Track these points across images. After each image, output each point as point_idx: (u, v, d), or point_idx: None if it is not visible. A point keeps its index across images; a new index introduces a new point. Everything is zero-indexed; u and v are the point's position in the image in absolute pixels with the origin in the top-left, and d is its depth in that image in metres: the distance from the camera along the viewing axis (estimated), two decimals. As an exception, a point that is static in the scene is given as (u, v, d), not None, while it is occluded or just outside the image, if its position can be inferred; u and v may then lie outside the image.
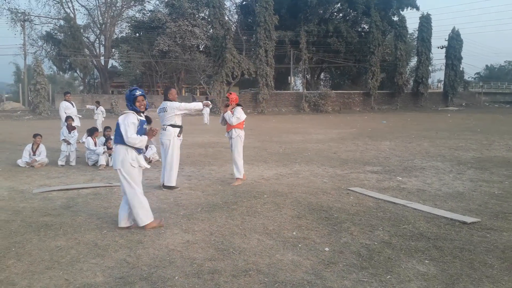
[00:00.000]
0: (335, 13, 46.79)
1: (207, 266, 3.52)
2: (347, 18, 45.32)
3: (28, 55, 40.06)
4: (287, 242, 4.04)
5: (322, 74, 51.89)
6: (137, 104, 4.57)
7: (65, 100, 12.03)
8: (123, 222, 4.61)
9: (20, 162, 8.87)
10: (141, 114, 4.65)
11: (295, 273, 3.34)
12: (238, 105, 7.07)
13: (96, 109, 19.55)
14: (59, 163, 9.01)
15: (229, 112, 6.95)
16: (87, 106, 22.42)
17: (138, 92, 4.61)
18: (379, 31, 38.48)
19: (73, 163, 9.06)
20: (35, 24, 42.02)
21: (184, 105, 6.86)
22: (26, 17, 39.57)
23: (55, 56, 41.60)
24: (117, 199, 5.97)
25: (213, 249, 3.90)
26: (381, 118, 27.49)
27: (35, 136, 9.19)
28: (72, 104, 11.97)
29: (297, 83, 51.24)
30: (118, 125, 4.52)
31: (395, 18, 41.49)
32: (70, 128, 9.56)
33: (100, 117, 19.28)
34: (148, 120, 4.96)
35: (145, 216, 4.52)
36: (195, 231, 4.46)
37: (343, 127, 20.16)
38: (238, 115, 6.92)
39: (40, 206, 5.55)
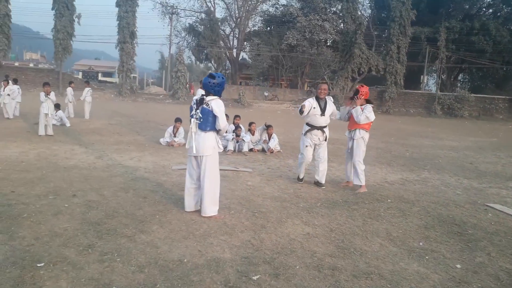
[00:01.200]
0: (484, 9, 41.78)
1: (327, 261, 3.53)
2: (498, 14, 40.04)
3: (172, 45, 44.67)
4: (413, 252, 3.83)
5: (460, 75, 46.97)
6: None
7: (201, 88, 13.12)
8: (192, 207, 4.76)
9: (162, 141, 10.04)
10: None
11: (421, 285, 3.15)
12: (367, 101, 6.28)
13: None
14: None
15: (358, 107, 6.17)
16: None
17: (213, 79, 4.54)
18: (536, 30, 33.19)
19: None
20: (181, 17, 46.40)
21: None
22: (174, 10, 44.01)
23: (194, 47, 45.49)
24: (242, 183, 6.36)
25: (333, 246, 3.90)
26: (530, 129, 23.84)
27: (176, 120, 10.28)
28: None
29: (429, 83, 47.33)
30: (208, 112, 4.47)
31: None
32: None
33: None
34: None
35: (214, 208, 4.61)
36: (315, 225, 4.50)
37: (482, 136, 18.04)
38: (368, 113, 6.11)
39: (178, 181, 6.21)
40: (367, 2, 45.34)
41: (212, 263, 3.37)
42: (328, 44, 42.05)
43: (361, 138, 6.21)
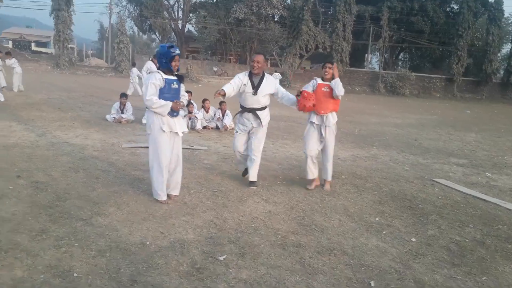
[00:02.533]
0: (423, -10, 43.58)
1: (291, 239, 3.58)
2: (436, -5, 42.03)
3: (113, 15, 42.25)
4: (370, 227, 3.99)
5: (401, 54, 49.15)
6: (173, 64, 4.14)
7: (151, 60, 12.55)
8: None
9: (108, 117, 9.54)
10: (173, 74, 4.24)
11: (381, 259, 3.30)
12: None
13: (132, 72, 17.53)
14: (143, 121, 9.55)
15: (338, 79, 5.05)
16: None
17: (177, 51, 4.15)
18: (470, 13, 35.35)
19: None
20: (121, -17, 43.85)
21: None
22: (113, -24, 41.44)
23: (136, 16, 43.35)
24: (199, 161, 6.25)
25: (295, 223, 3.96)
26: (464, 107, 25.67)
27: (121, 96, 9.79)
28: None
29: (373, 61, 49.08)
30: None
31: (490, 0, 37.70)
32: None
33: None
34: (181, 78, 4.34)
35: (155, 193, 4.28)
36: (276, 202, 4.54)
37: (422, 113, 19.14)
38: (341, 86, 4.99)
39: (130, 160, 5.96)
40: (314, -23, 45.49)
41: (176, 245, 3.29)
42: (276, 19, 41.92)
43: (335, 125, 5.11)
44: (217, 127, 9.60)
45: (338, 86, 5.00)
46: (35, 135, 7.24)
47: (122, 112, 9.60)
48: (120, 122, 9.36)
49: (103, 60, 43.93)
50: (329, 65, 5.14)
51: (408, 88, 35.50)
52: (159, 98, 4.08)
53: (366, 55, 43.07)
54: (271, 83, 5.00)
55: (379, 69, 38.38)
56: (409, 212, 4.52)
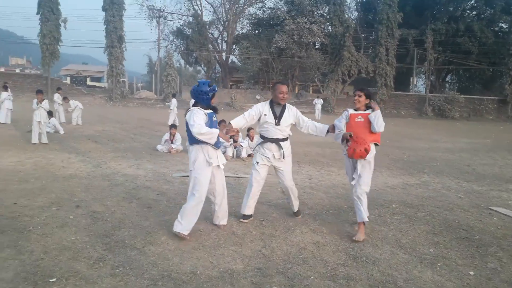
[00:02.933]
0: (468, 11, 42.49)
1: (341, 271, 3.51)
2: (482, 16, 40.78)
3: (161, 49, 44.46)
4: (424, 259, 3.83)
5: (448, 76, 47.65)
6: (212, 100, 4.25)
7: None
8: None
9: (159, 147, 9.95)
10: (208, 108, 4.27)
11: (438, 294, 3.15)
12: (367, 106, 4.53)
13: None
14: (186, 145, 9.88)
15: (379, 111, 4.40)
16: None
17: (216, 89, 4.29)
18: (521, 31, 33.81)
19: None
20: (168, 20, 46.16)
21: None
22: (161, 13, 43.83)
23: (183, 50, 45.35)
24: (245, 190, 6.29)
25: (345, 255, 3.88)
26: (520, 130, 24.23)
27: (171, 127, 10.20)
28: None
29: (418, 84, 47.86)
30: (187, 124, 4.14)
31: (543, 16, 35.95)
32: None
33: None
34: (215, 110, 4.36)
35: (185, 227, 4.13)
36: (324, 233, 4.49)
37: (474, 137, 18.26)
38: (381, 120, 4.36)
39: (180, 189, 6.14)
40: (353, 4, 45.83)
41: (226, 275, 3.33)
42: (317, 47, 42.32)
43: (373, 158, 4.45)
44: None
45: (378, 120, 4.34)
46: (91, 166, 7.67)
47: (172, 142, 9.97)
48: (170, 152, 9.72)
49: (152, 92, 46.04)
50: (358, 92, 4.52)
51: (458, 111, 34.12)
52: None
53: (411, 78, 42.12)
54: (292, 113, 4.79)
55: (425, 92, 37.30)
56: (465, 243, 4.30)
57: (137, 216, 4.72)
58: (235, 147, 9.46)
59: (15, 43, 68.61)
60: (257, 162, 4.78)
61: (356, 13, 45.88)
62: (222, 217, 4.52)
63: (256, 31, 45.28)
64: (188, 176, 7.01)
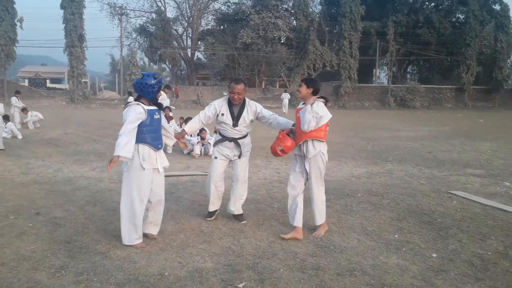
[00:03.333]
0: (427, 2, 44.01)
1: (310, 261, 3.55)
2: (440, 7, 42.37)
3: (124, 47, 43.46)
4: (390, 245, 3.93)
5: (409, 67, 49.18)
6: (157, 94, 3.90)
7: (162, 90, 12.82)
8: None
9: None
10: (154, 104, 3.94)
11: (402, 277, 3.24)
12: (319, 96, 4.11)
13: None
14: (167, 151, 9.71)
15: (308, 106, 3.94)
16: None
17: (162, 81, 3.93)
18: (476, 21, 35.33)
19: (170, 151, 9.68)
20: (130, 18, 45.27)
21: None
22: (123, 11, 42.81)
23: (147, 48, 44.49)
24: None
25: (313, 245, 3.92)
26: (477, 116, 25.34)
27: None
28: (167, 96, 12.74)
29: (381, 76, 49.13)
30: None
31: (496, 7, 37.66)
32: (168, 119, 10.20)
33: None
34: (160, 106, 4.04)
35: (128, 238, 3.82)
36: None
37: (435, 125, 18.96)
38: (320, 110, 3.91)
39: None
40: (317, -2, 46.37)
41: (195, 274, 3.29)
42: (282, 41, 42.58)
43: (319, 154, 4.07)
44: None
45: (304, 117, 3.93)
46: (52, 170, 7.39)
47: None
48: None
49: (116, 92, 44.89)
50: (300, 83, 4.21)
51: (419, 101, 35.29)
52: (142, 132, 3.75)
53: (374, 70, 43.17)
54: (252, 110, 4.44)
55: (388, 83, 38.34)
56: (428, 227, 4.45)
57: (101, 220, 4.58)
58: (203, 145, 9.38)
59: (-33, 45, 64.99)
60: (215, 157, 4.58)
61: (320, 7, 46.53)
62: (154, 224, 4.07)
63: (221, 27, 45.06)
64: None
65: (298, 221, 4.16)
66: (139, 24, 45.52)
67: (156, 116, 3.89)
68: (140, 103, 3.79)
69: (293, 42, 37.48)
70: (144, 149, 3.79)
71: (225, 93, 38.38)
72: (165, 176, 6.83)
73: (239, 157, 4.52)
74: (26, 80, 53.47)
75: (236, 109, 4.41)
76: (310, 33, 33.93)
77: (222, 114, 4.41)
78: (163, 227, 4.34)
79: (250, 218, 4.72)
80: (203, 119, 4.49)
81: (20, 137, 11.98)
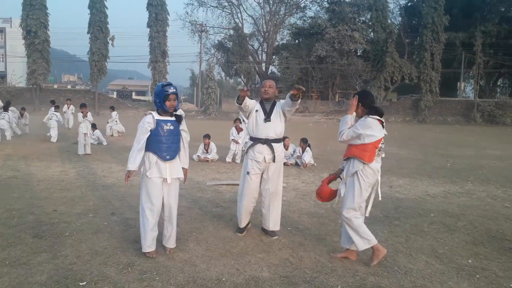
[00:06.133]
0: (521, 10, 40.28)
1: (370, 280, 3.38)
2: (537, 15, 38.52)
3: (203, 62, 45.61)
4: (462, 270, 3.61)
5: (499, 80, 45.19)
6: (167, 103, 3.73)
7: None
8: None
9: (195, 157, 10.13)
10: (170, 115, 3.85)
11: (474, 307, 2.95)
12: (371, 111, 3.67)
13: None
14: (227, 160, 9.99)
15: (349, 116, 3.79)
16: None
17: (171, 89, 3.71)
18: None
19: (238, 161, 9.92)
20: (210, 34, 47.46)
21: None
22: (203, 28, 45.04)
23: (224, 63, 46.24)
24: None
25: (376, 264, 3.73)
26: None
27: (204, 137, 10.37)
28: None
29: (466, 90, 45.75)
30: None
31: None
32: (239, 129, 10.47)
33: None
34: (179, 118, 3.90)
35: (144, 243, 3.81)
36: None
37: (527, 143, 17.15)
38: (360, 129, 3.59)
39: (213, 197, 6.21)
40: (397, 10, 44.84)
41: (251, 282, 3.30)
42: (359, 54, 41.69)
43: (356, 174, 3.67)
44: (296, 164, 9.63)
45: (340, 124, 3.84)
46: (130, 175, 7.93)
47: (207, 152, 10.13)
48: (207, 161, 9.88)
49: (194, 104, 47.18)
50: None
51: (509, 117, 32.17)
52: (150, 141, 3.76)
53: (458, 83, 40.36)
54: (280, 104, 4.45)
55: (474, 98, 35.56)
56: (509, 254, 4.01)
57: (168, 223, 4.80)
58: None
59: (68, 61, 72.96)
60: (247, 172, 4.37)
61: (399, 19, 44.86)
62: (169, 237, 3.96)
63: (296, 41, 45.36)
64: (222, 184, 7.14)
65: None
66: (218, 40, 47.56)
67: (168, 127, 3.77)
68: (152, 112, 3.83)
69: (370, 55, 36.52)
70: (150, 157, 3.78)
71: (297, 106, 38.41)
72: (233, 184, 7.03)
73: (273, 160, 4.33)
74: (115, 92, 58.49)
75: (267, 106, 4.43)
76: (388, 45, 32.83)
77: (256, 111, 4.39)
78: (224, 234, 4.44)
79: (312, 232, 4.64)
80: (249, 101, 4.37)
81: (105, 143, 13.09)
